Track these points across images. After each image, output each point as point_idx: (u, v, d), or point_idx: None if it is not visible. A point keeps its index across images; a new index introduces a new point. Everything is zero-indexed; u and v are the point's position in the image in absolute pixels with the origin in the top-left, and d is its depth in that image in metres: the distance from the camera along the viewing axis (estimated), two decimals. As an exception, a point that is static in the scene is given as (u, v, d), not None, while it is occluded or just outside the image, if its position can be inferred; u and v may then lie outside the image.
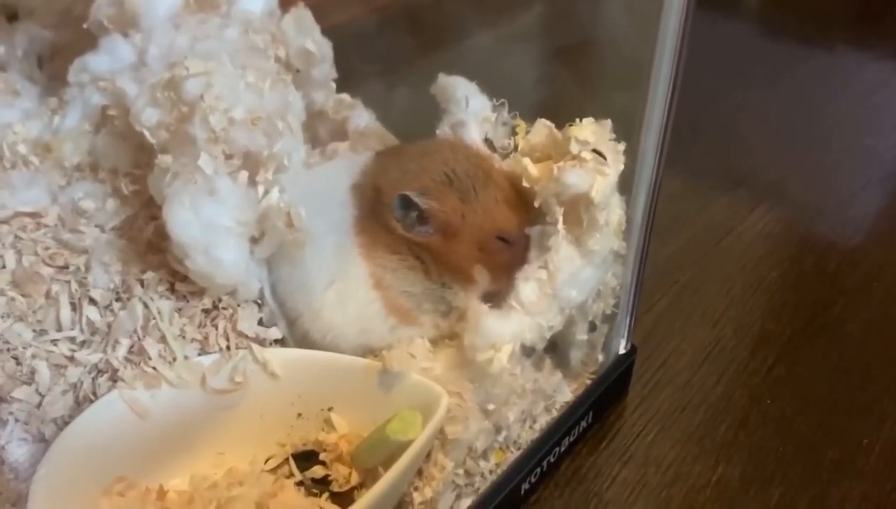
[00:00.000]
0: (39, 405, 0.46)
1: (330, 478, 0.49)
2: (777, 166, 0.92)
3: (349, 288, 0.50)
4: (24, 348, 0.47)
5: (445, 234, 0.50)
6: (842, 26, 1.22)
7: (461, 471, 0.50)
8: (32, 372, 0.46)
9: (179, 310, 0.50)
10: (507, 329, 0.48)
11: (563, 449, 0.57)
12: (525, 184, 0.51)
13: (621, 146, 0.50)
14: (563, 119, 0.53)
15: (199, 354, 0.49)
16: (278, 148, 0.49)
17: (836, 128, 0.99)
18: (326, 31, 0.61)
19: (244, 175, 0.49)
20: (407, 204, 0.49)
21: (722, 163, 0.93)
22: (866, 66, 1.12)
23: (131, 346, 0.48)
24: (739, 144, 0.96)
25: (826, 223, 0.84)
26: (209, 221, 0.47)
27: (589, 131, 0.50)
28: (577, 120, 0.51)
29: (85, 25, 0.57)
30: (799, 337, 0.70)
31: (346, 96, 0.64)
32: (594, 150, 0.49)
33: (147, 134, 0.49)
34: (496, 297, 0.51)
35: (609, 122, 0.51)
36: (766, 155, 0.94)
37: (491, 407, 0.50)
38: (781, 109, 1.03)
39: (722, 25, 1.19)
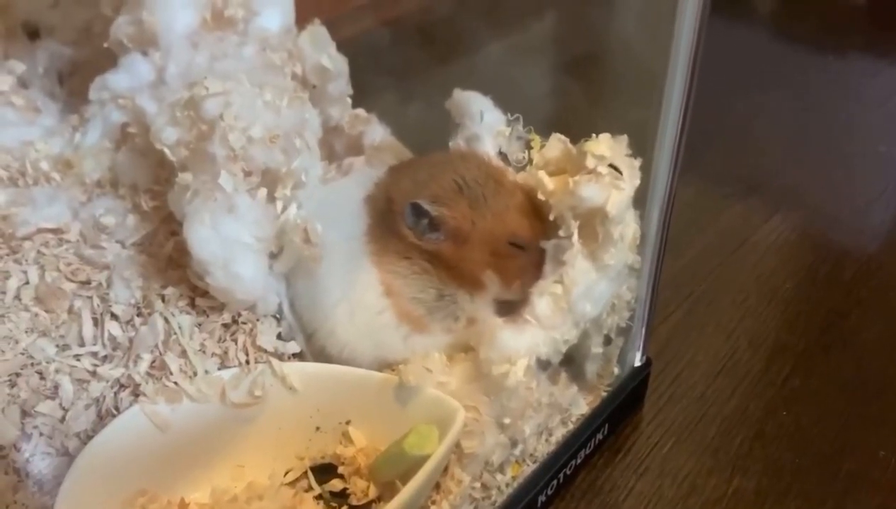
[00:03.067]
0: (63, 419, 0.47)
1: (348, 492, 0.50)
2: (791, 173, 0.92)
3: (360, 297, 0.51)
4: (47, 363, 0.47)
5: (456, 240, 0.51)
6: (855, 32, 1.22)
7: (478, 485, 0.51)
8: (56, 386, 0.47)
9: (199, 324, 0.50)
10: (522, 343, 0.49)
11: (579, 461, 0.57)
12: (540, 196, 0.52)
13: (637, 162, 0.50)
14: (575, 132, 0.54)
15: (219, 368, 0.50)
16: (296, 164, 0.50)
17: (850, 135, 0.98)
18: (338, 45, 0.61)
19: (263, 192, 0.50)
20: (418, 211, 0.50)
21: (735, 170, 0.92)
22: (880, 72, 1.12)
23: (153, 361, 0.48)
24: (753, 151, 0.96)
25: (841, 232, 0.84)
26: (229, 238, 0.48)
27: (605, 146, 0.50)
28: (593, 135, 0.51)
29: (105, 44, 0.58)
30: (814, 347, 0.70)
31: (361, 111, 0.65)
32: (610, 165, 0.49)
33: (167, 152, 0.49)
34: (513, 305, 0.52)
35: (625, 137, 0.51)
36: (780, 161, 0.94)
37: (507, 420, 0.50)
38: (795, 116, 1.02)
39: (734, 31, 1.18)
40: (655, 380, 0.65)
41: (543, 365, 0.52)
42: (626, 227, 0.51)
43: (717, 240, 0.82)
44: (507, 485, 0.53)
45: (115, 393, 0.48)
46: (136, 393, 0.47)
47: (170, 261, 0.52)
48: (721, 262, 0.79)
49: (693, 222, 0.84)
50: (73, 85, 0.67)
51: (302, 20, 0.61)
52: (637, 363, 0.61)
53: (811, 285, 0.77)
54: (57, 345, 0.48)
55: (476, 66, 0.82)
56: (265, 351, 0.50)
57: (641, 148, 0.51)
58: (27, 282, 0.50)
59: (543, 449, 0.55)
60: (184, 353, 0.49)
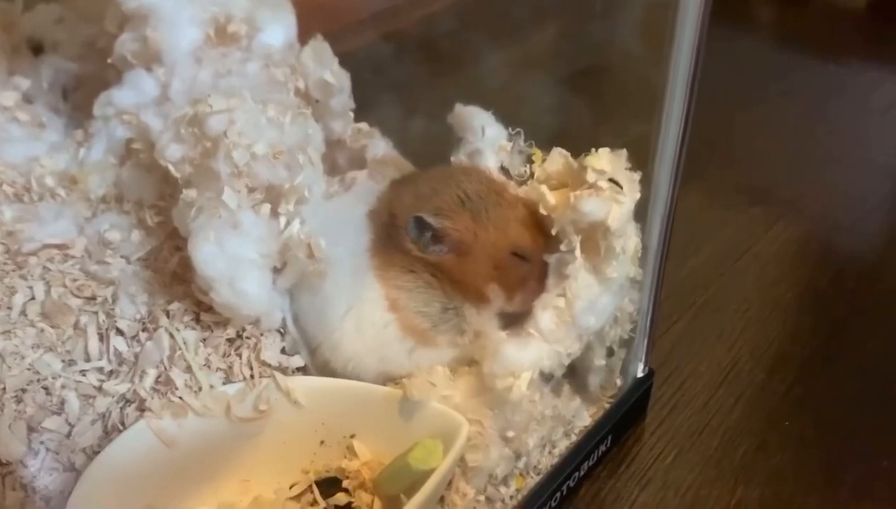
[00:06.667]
0: (69, 435, 0.47)
1: (353, 505, 0.50)
2: (793, 183, 0.92)
3: (365, 312, 0.51)
4: (53, 378, 0.48)
5: (459, 253, 0.51)
6: (856, 40, 1.22)
7: (482, 498, 0.51)
8: (62, 402, 0.47)
9: (204, 339, 0.51)
10: (526, 357, 0.49)
11: (582, 473, 0.57)
12: (542, 211, 0.52)
13: (637, 176, 0.50)
14: (577, 144, 0.54)
15: (224, 383, 0.50)
16: (299, 180, 0.50)
17: (851, 145, 0.99)
18: (339, 58, 0.62)
19: (266, 207, 0.50)
20: (421, 225, 0.50)
21: (738, 180, 0.93)
22: (882, 81, 1.12)
23: (158, 376, 0.49)
24: (755, 161, 0.96)
25: (843, 241, 0.84)
26: (233, 254, 0.48)
27: (605, 160, 0.51)
28: (593, 149, 0.52)
29: (109, 60, 0.59)
30: (816, 357, 0.70)
31: (364, 125, 0.65)
32: (610, 180, 0.50)
33: (172, 168, 0.50)
34: (516, 318, 0.52)
35: (625, 151, 0.51)
36: (782, 172, 0.94)
37: (511, 434, 0.50)
38: (796, 125, 1.03)
39: (735, 40, 1.19)
40: (658, 390, 0.65)
41: (547, 377, 0.52)
42: (628, 240, 0.51)
43: (719, 249, 0.83)
44: (512, 498, 0.53)
45: (121, 409, 0.48)
46: (142, 409, 0.48)
47: (174, 276, 0.53)
48: (723, 272, 0.80)
49: (695, 232, 0.84)
50: (76, 99, 0.68)
51: (303, 34, 0.62)
52: (640, 374, 0.61)
53: (813, 294, 0.77)
54: (63, 361, 0.48)
55: (476, 78, 0.83)
56: (269, 365, 0.51)
57: (643, 160, 0.52)
58: (33, 298, 0.50)
59: (547, 461, 0.55)
60: (189, 368, 0.49)
